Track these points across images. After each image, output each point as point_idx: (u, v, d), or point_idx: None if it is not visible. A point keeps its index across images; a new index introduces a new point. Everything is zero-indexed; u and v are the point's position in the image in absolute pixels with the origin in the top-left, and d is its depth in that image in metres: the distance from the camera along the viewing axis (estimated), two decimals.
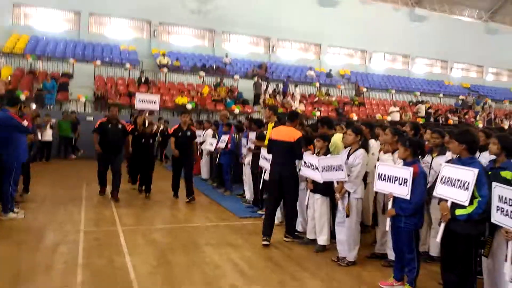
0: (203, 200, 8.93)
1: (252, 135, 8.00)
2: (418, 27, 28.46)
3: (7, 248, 5.24)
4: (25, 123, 6.38)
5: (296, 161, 5.95)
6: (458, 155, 4.03)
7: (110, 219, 6.89)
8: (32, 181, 9.55)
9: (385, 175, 4.49)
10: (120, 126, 8.32)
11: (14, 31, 20.58)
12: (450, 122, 21.23)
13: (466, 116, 22.84)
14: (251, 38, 25.80)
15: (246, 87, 20.83)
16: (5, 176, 6.36)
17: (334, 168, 5.13)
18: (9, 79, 16.46)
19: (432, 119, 21.50)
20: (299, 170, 5.92)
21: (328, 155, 5.56)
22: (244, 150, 8.56)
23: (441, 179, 3.95)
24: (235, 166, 9.61)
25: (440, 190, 3.94)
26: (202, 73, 20.51)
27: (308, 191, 5.79)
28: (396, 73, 28.84)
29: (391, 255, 5.21)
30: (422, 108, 22.33)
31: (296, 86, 21.16)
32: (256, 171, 7.72)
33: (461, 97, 26.20)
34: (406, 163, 4.44)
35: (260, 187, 7.14)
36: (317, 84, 23.15)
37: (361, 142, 5.18)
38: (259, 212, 7.61)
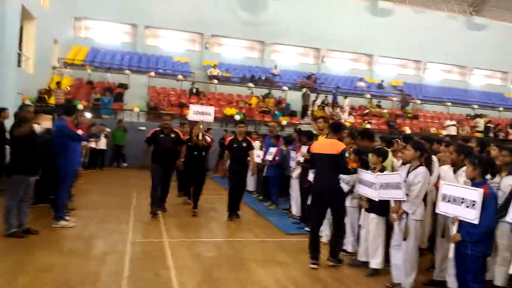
0: (249, 213, 8.76)
1: (304, 148, 7.76)
2: (476, 36, 27.11)
3: (57, 256, 5.30)
4: (79, 132, 6.54)
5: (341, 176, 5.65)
6: None
7: (157, 230, 6.88)
8: (85, 188, 9.88)
9: (449, 196, 4.12)
10: (173, 135, 7.92)
11: (75, 43, 21.66)
12: (511, 137, 19.94)
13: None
14: (300, 49, 25.65)
15: (294, 98, 20.62)
16: (59, 183, 6.53)
17: (391, 186, 4.79)
18: (68, 88, 17.23)
19: (491, 134, 20.27)
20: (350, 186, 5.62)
21: (385, 172, 5.23)
22: (292, 163, 8.32)
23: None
24: (282, 179, 9.38)
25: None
26: (251, 84, 20.54)
27: (363, 210, 5.46)
28: (452, 84, 27.56)
29: (451, 283, 4.76)
30: (481, 122, 21.12)
31: (345, 97, 20.67)
32: (305, 185, 7.47)
33: None
34: (474, 184, 4.04)
35: (309, 203, 6.83)
36: (368, 96, 22.52)
37: (423, 158, 4.80)
38: (306, 228, 7.31)
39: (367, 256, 5.45)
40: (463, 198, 3.99)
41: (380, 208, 5.21)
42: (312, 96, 20.28)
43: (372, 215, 5.35)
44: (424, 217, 5.37)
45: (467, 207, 3.94)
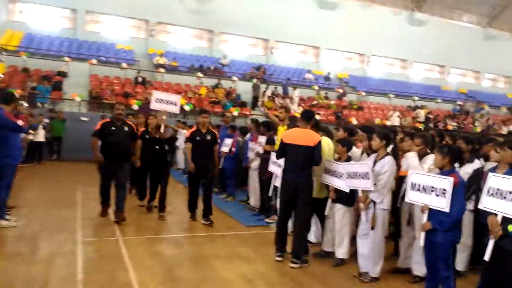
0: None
1: (262, 139, 7.58)
2: (417, 32, 28.23)
3: None
4: (20, 122, 5.88)
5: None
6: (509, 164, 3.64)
7: (109, 228, 6.40)
8: (24, 184, 9.10)
9: (419, 185, 4.09)
10: (127, 128, 6.75)
11: (9, 27, 19.96)
12: (450, 127, 21.03)
13: (465, 122, 22.60)
14: (249, 39, 25.37)
15: (244, 89, 20.40)
16: None
17: (359, 175, 4.72)
18: (1, 76, 15.86)
19: (431, 125, 21.26)
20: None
21: (352, 162, 5.15)
22: (250, 154, 8.12)
23: (488, 191, 3.55)
24: (238, 171, 9.15)
25: (488, 203, 3.54)
26: (200, 74, 20.05)
27: (329, 200, 5.36)
28: (394, 77, 28.58)
29: (416, 270, 4.84)
30: (421, 113, 22.07)
31: (294, 89, 20.76)
32: (264, 177, 7.30)
33: (458, 102, 26.00)
34: (443, 172, 4.04)
35: (270, 194, 6.66)
36: (316, 88, 22.79)
37: (390, 148, 4.77)
38: (267, 220, 7.19)
39: (332, 245, 5.39)
40: (433, 187, 3.97)
41: (347, 198, 5.15)
42: (262, 87, 20.20)
43: (339, 205, 5.28)
44: None
45: (437, 195, 3.92)
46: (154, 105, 7.34)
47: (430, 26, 28.51)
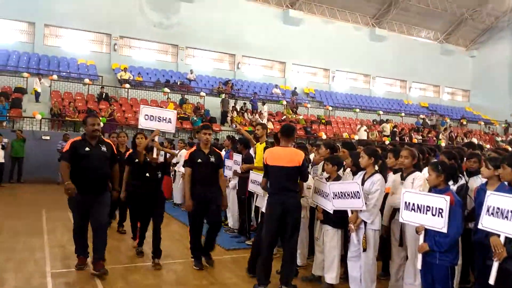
0: (180, 228, 8.10)
1: (238, 157, 7.32)
2: (378, 47, 29.07)
3: None
4: None
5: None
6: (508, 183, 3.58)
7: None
8: None
9: (413, 204, 3.98)
10: (104, 148, 5.24)
11: None
12: (415, 141, 21.56)
13: (430, 135, 23.25)
14: (215, 54, 25.26)
15: (212, 104, 20.18)
16: None
17: (349, 195, 4.57)
18: None
19: (397, 138, 21.73)
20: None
21: (340, 180, 5.01)
22: (227, 173, 7.85)
23: (488, 210, 3.48)
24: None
25: (488, 223, 3.46)
26: (166, 89, 19.66)
27: (318, 221, 5.18)
28: (358, 92, 29.22)
29: None
30: (387, 127, 22.56)
31: (264, 104, 20.75)
32: (244, 196, 7.05)
33: (421, 116, 26.81)
34: (437, 191, 3.95)
35: (252, 215, 6.40)
36: (284, 102, 22.87)
37: (379, 166, 4.66)
38: (247, 242, 6.91)
39: (322, 269, 5.19)
40: (428, 206, 3.87)
41: (336, 219, 4.98)
42: (231, 102, 20.04)
43: (327, 227, 5.10)
44: None
45: (434, 215, 3.82)
46: (143, 123, 6.02)
47: (391, 42, 29.44)
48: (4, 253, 5.81)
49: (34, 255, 5.86)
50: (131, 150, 6.59)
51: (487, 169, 4.09)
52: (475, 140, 22.72)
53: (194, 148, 5.81)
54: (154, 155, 5.84)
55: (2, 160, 12.64)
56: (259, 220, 5.94)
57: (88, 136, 5.19)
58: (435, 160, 5.32)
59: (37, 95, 16.96)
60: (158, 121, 6.01)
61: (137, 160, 5.96)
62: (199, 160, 5.55)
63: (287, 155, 4.87)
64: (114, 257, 6.04)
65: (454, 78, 32.67)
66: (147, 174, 5.86)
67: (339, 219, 4.91)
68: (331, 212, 4.85)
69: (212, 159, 5.63)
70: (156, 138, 5.98)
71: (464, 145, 7.85)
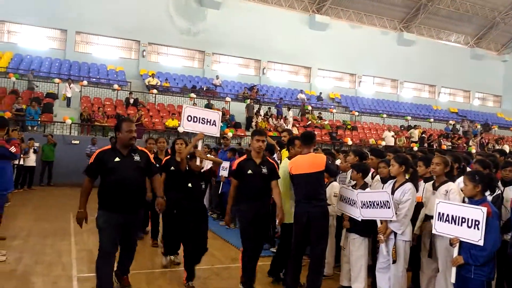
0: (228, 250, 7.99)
1: None
2: (406, 51, 28.57)
3: None
4: (12, 149, 5.52)
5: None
6: None
7: None
8: (14, 212, 8.68)
9: (448, 216, 3.82)
10: (138, 157, 4.37)
11: None
12: (444, 147, 21.00)
13: (459, 141, 22.63)
14: (241, 60, 25.36)
15: (237, 109, 20.23)
16: None
17: (378, 204, 4.43)
18: None
19: (426, 145, 21.22)
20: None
21: (368, 189, 4.88)
22: None
23: None
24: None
25: None
26: (193, 95, 19.82)
27: (344, 230, 5.06)
28: (385, 97, 28.76)
29: None
30: (415, 133, 22.05)
31: (288, 109, 20.66)
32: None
33: (451, 122, 26.13)
34: (474, 202, 3.78)
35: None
36: (310, 107, 22.70)
37: (410, 174, 4.51)
38: (272, 250, 6.83)
39: (349, 280, 5.06)
40: (464, 218, 3.71)
41: (363, 227, 4.85)
42: (255, 107, 20.04)
43: (354, 235, 4.98)
44: None
45: (469, 227, 3.65)
46: (186, 125, 5.34)
47: (419, 46, 28.89)
48: (33, 256, 5.92)
49: (62, 258, 5.94)
50: (169, 156, 6.00)
51: None
52: (507, 147, 21.97)
53: (244, 157, 5.08)
54: (198, 162, 5.15)
55: (34, 164, 12.95)
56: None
57: (120, 145, 4.32)
58: (469, 169, 5.11)
59: (67, 100, 17.39)
60: (202, 123, 5.34)
61: (172, 168, 5.56)
62: (249, 172, 4.80)
63: (309, 161, 4.82)
64: (137, 261, 6.05)
65: (485, 83, 31.73)
66: (189, 185, 5.10)
67: (366, 228, 4.79)
68: (359, 220, 4.73)
69: (264, 170, 4.86)
70: (200, 144, 5.37)
71: (495, 151, 7.54)
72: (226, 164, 8.81)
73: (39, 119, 15.38)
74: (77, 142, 14.77)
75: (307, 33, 25.98)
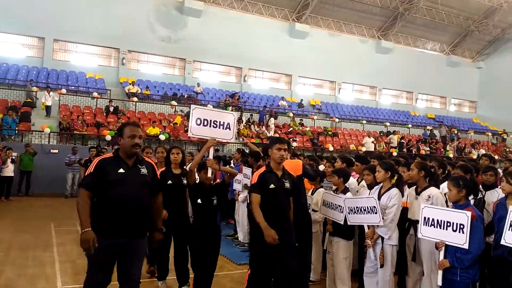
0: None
1: (247, 171, 7.25)
2: (384, 59, 29.10)
3: None
4: None
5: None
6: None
7: None
8: None
9: (433, 220, 3.91)
10: (144, 169, 3.62)
11: None
12: (422, 152, 21.42)
13: (437, 146, 23.11)
14: (222, 67, 25.38)
15: None
16: None
17: (365, 210, 4.50)
18: None
19: (405, 150, 21.60)
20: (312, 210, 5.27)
21: (348, 194, 4.96)
22: (237, 186, 7.80)
23: (511, 225, 3.40)
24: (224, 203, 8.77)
25: (511, 239, 3.39)
26: (174, 102, 19.73)
27: (327, 233, 5.12)
28: (364, 103, 29.18)
29: None
30: (394, 139, 22.43)
31: (270, 116, 20.76)
32: None
33: (428, 127, 26.69)
34: (458, 206, 3.89)
35: None
36: (291, 114, 22.87)
37: (395, 180, 4.60)
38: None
39: (335, 283, 5.10)
40: (448, 222, 3.81)
41: (346, 231, 4.92)
42: (237, 114, 20.08)
43: (337, 239, 5.04)
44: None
45: (454, 231, 3.76)
46: (195, 130, 4.61)
47: (396, 54, 29.48)
48: (15, 269, 5.78)
49: (45, 270, 5.81)
50: (164, 168, 5.14)
51: (509, 185, 4.00)
52: (482, 151, 22.57)
53: (264, 169, 4.33)
54: (209, 174, 4.53)
55: (12, 174, 12.65)
56: None
57: (123, 153, 3.55)
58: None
59: (47, 109, 17.02)
60: (214, 126, 4.61)
61: (170, 182, 4.85)
62: (272, 186, 4.14)
63: (287, 167, 4.56)
64: None
65: (460, 90, 32.58)
66: (199, 201, 4.51)
67: (349, 231, 4.87)
68: (342, 223, 4.80)
69: (287, 185, 4.26)
70: (211, 152, 4.64)
71: (484, 156, 7.74)
72: (239, 177, 8.32)
73: (16, 128, 15.04)
74: (56, 151, 14.50)
75: (288, 41, 26.22)
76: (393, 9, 27.95)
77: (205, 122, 4.61)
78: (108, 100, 18.66)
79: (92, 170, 3.45)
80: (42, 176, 13.63)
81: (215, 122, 4.65)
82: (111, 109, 18.12)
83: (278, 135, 19.30)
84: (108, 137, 15.42)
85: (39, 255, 6.55)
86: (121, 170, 3.49)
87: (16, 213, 10.61)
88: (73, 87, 19.62)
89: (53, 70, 20.38)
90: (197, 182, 4.63)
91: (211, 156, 4.61)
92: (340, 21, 28.01)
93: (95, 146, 13.44)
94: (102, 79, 21.20)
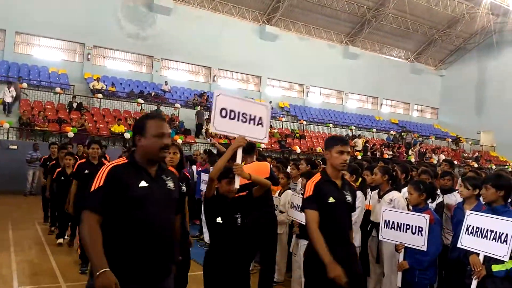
0: None
1: None
2: (351, 64, 29.69)
3: None
4: None
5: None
6: (488, 203, 3.64)
7: (49, 271, 5.71)
8: None
9: (393, 223, 4.03)
10: (171, 182, 2.62)
11: None
12: (386, 156, 21.98)
13: (399, 151, 23.78)
14: (191, 66, 25.18)
15: (186, 116, 20.05)
16: None
17: (408, 228, 4.54)
18: None
19: (369, 153, 22.11)
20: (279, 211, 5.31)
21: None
22: (204, 187, 7.76)
23: (467, 229, 3.54)
24: (189, 203, 8.71)
25: (467, 242, 3.52)
26: (140, 100, 19.40)
27: (294, 236, 5.17)
28: (331, 107, 29.66)
29: None
30: (359, 142, 22.91)
31: None
32: None
33: (392, 132, 27.43)
34: (417, 209, 4.01)
35: None
36: None
37: (359, 183, 4.70)
38: None
39: (300, 285, 5.15)
40: (408, 225, 3.93)
41: None
42: (206, 114, 19.95)
43: (304, 241, 5.08)
44: None
45: (414, 233, 3.87)
46: (219, 124, 3.47)
47: (363, 60, 30.13)
48: None
49: (1, 271, 5.58)
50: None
51: (467, 189, 4.15)
52: (442, 157, 23.41)
53: (319, 177, 3.36)
54: (236, 185, 3.39)
55: None
56: None
57: (143, 158, 2.50)
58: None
59: (4, 104, 16.21)
60: (243, 121, 3.52)
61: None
62: (331, 200, 3.23)
63: (254, 169, 4.58)
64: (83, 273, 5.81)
65: (423, 96, 33.69)
66: (219, 219, 3.45)
67: None
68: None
69: (349, 198, 3.38)
70: (239, 154, 3.44)
71: (444, 161, 8.04)
72: (206, 177, 7.81)
73: None
74: (15, 147, 13.96)
75: (258, 43, 26.31)
76: (361, 15, 28.57)
77: (232, 114, 3.48)
78: (72, 96, 18.15)
79: (101, 183, 2.33)
80: (0, 173, 13.07)
81: (244, 115, 3.54)
82: (75, 105, 17.64)
83: None
84: (71, 134, 15.01)
85: None
86: (143, 184, 2.42)
87: None
88: (35, 82, 18.95)
89: (14, 64, 19.61)
90: (214, 194, 3.54)
91: (239, 160, 3.42)
92: (309, 25, 28.37)
93: (56, 142, 12.98)
94: (66, 74, 20.57)
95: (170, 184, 2.59)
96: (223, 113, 3.46)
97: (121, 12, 22.15)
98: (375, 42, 31.04)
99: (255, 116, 3.60)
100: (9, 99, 15.95)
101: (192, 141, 18.01)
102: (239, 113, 3.51)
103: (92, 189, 2.35)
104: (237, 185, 3.40)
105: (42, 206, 8.99)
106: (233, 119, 3.49)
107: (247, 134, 3.52)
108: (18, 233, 7.71)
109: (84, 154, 7.63)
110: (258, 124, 3.60)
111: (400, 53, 32.80)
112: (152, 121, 2.54)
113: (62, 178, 7.20)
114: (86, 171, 5.78)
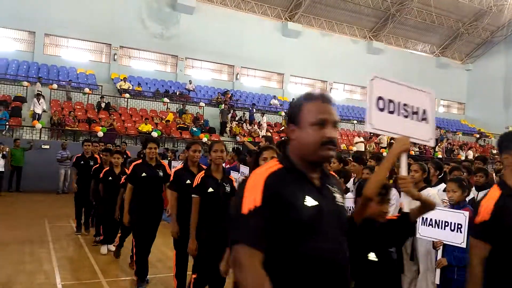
0: None
1: (245, 170, 7.31)
2: (375, 60, 29.31)
3: None
4: None
5: None
6: None
7: (89, 268, 5.90)
8: None
9: (431, 220, 4.01)
10: (338, 194, 1.77)
11: None
12: (412, 153, 21.67)
13: (426, 147, 23.39)
14: (214, 65, 25.37)
15: (210, 114, 20.24)
16: None
17: (447, 225, 4.54)
18: None
19: None
20: None
21: (349, 194, 5.04)
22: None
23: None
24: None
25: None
26: (166, 100, 19.68)
27: None
28: (355, 103, 29.39)
29: None
30: (384, 139, 22.62)
31: (262, 114, 20.83)
32: None
33: None
34: (456, 206, 3.99)
35: None
36: (283, 113, 22.96)
37: (393, 180, 4.69)
38: None
39: None
40: (446, 222, 3.91)
41: None
42: (230, 112, 20.11)
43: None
44: None
45: (452, 230, 3.86)
46: (377, 120, 2.46)
47: (387, 55, 29.72)
48: (13, 266, 5.76)
49: (43, 266, 5.81)
50: (202, 173, 4.14)
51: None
52: (470, 153, 22.95)
53: (497, 192, 2.57)
54: (407, 208, 2.51)
55: (2, 169, 12.54)
56: None
57: (301, 160, 1.73)
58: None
59: (36, 116, 15.78)
60: (405, 115, 2.57)
61: (211, 189, 3.81)
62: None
63: None
64: (119, 270, 5.99)
65: (449, 91, 32.96)
66: (372, 256, 2.48)
67: None
68: None
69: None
70: (404, 160, 2.49)
71: (477, 158, 7.92)
72: (235, 175, 6.27)
73: (7, 123, 14.88)
74: (47, 147, 14.39)
75: (280, 40, 26.29)
76: (384, 10, 28.19)
77: (391, 106, 2.51)
78: (100, 96, 18.55)
79: (259, 202, 1.54)
80: (33, 172, 13.51)
81: (405, 106, 2.58)
82: (103, 105, 18.03)
83: (270, 134, 19.40)
84: (100, 134, 15.35)
85: (35, 251, 6.54)
86: (310, 201, 1.63)
87: (6, 208, 10.52)
88: (64, 82, 19.44)
89: (43, 65, 20.17)
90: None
91: (404, 172, 2.46)
92: (332, 21, 28.17)
93: (89, 139, 13.00)
94: (93, 74, 21.05)
95: (338, 197, 1.78)
96: (380, 104, 2.48)
97: (145, 13, 22.51)
98: (399, 37, 30.58)
99: (417, 109, 2.65)
100: (39, 111, 15.86)
101: (217, 139, 18.16)
102: (399, 104, 2.56)
103: (244, 210, 1.53)
104: (407, 208, 2.49)
105: (75, 214, 8.18)
106: (392, 112, 2.52)
107: (410, 134, 2.52)
108: (55, 231, 7.97)
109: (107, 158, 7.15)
110: (422, 120, 2.64)
111: (425, 47, 32.22)
112: (310, 104, 1.76)
113: (110, 178, 6.63)
114: (144, 174, 5.07)
